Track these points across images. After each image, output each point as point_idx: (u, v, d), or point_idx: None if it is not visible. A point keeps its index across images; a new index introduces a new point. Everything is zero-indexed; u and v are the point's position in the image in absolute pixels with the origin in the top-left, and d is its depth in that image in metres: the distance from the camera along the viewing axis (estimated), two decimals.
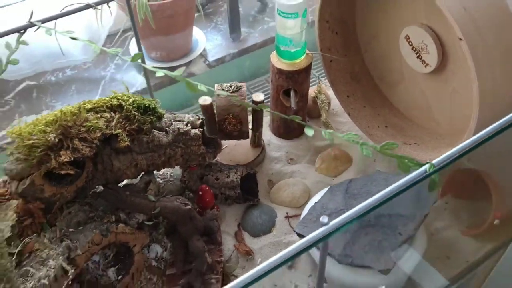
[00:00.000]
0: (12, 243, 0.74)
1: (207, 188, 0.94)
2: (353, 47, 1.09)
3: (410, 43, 0.93)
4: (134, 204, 0.84)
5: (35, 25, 0.69)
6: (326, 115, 1.11)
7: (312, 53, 1.04)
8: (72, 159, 0.75)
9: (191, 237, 0.86)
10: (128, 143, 0.80)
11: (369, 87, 1.11)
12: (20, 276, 0.72)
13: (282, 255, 0.46)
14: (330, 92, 1.17)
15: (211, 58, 1.38)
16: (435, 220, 0.95)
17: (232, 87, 0.97)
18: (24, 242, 0.73)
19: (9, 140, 1.10)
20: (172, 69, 1.35)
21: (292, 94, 1.04)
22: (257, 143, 1.09)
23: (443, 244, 0.92)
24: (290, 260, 0.47)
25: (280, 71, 1.02)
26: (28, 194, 0.77)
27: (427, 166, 0.54)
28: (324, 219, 0.47)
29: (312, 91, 1.17)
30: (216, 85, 0.98)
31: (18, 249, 0.72)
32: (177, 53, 1.36)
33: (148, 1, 1.19)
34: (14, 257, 0.67)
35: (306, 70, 1.02)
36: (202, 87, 0.67)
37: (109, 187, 0.84)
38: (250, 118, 1.04)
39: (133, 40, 1.39)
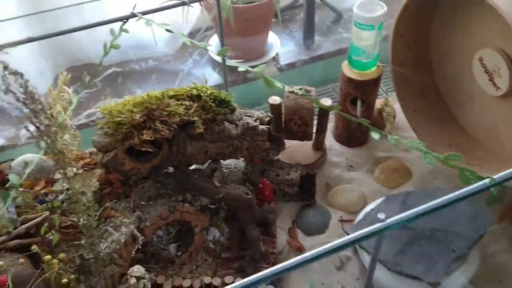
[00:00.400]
0: (92, 207, 0.83)
1: (267, 182, 1.00)
2: (425, 63, 1.11)
3: (483, 65, 0.93)
4: (200, 187, 0.90)
5: (136, 16, 0.77)
6: (391, 127, 1.13)
7: (383, 66, 1.07)
8: (153, 138, 0.83)
9: (249, 225, 0.91)
10: (202, 131, 0.87)
11: (437, 104, 1.12)
12: (98, 237, 0.81)
13: (335, 244, 0.50)
14: (397, 107, 1.19)
15: (283, 62, 1.44)
16: (490, 243, 0.95)
17: (302, 90, 1.02)
18: (103, 207, 0.82)
19: (95, 117, 1.21)
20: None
21: (358, 103, 1.07)
22: (319, 146, 1.13)
23: (496, 267, 0.91)
24: (341, 249, 0.51)
25: (349, 80, 1.05)
26: (111, 165, 0.86)
27: (487, 180, 0.56)
28: (381, 215, 0.51)
29: (378, 103, 1.20)
30: (286, 87, 1.03)
31: (98, 212, 0.81)
32: (251, 54, 1.43)
33: (233, 3, 1.27)
34: (96, 218, 0.75)
35: (375, 81, 1.05)
36: (278, 84, 0.73)
37: (181, 169, 0.91)
38: (315, 122, 1.08)
39: (212, 38, 1.48)
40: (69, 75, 0.85)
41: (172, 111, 0.85)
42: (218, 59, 1.44)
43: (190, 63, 1.42)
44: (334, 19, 1.59)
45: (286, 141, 1.06)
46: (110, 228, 0.82)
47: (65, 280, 0.71)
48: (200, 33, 1.41)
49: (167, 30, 0.75)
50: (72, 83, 1.37)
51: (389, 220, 0.50)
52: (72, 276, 0.76)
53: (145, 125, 0.83)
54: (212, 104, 0.89)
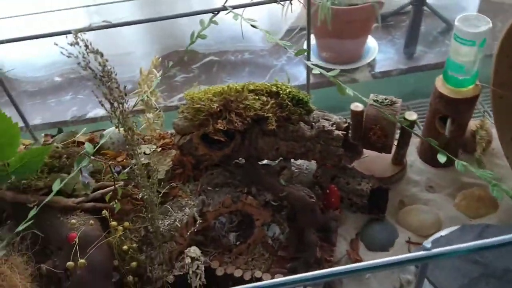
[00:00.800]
0: (162, 184, 0.88)
1: (335, 188, 0.98)
2: None
3: None
4: (266, 183, 0.92)
5: (227, 9, 0.80)
6: (481, 152, 1.04)
7: (482, 85, 0.99)
8: (226, 128, 0.85)
9: (308, 228, 0.90)
10: (275, 128, 0.88)
11: None
12: (161, 213, 0.86)
13: (381, 261, 0.48)
14: (494, 131, 1.09)
15: (378, 69, 1.39)
16: None
17: (387, 100, 0.98)
18: (171, 186, 0.87)
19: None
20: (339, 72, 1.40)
21: (448, 121, 1.01)
22: (399, 160, 1.08)
23: None
24: (380, 269, 0.49)
25: (441, 96, 0.99)
26: (186, 148, 0.90)
27: None
28: (427, 244, 0.48)
29: (473, 124, 1.11)
30: (371, 95, 1.00)
31: (164, 190, 0.86)
32: (346, 57, 1.40)
33: (334, 4, 1.25)
34: (160, 195, 0.80)
35: (471, 100, 0.98)
36: (349, 91, 0.71)
37: (251, 162, 0.93)
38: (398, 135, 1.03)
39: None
40: (160, 59, 0.91)
41: (249, 105, 0.87)
42: (312, 58, 1.43)
43: (284, 60, 1.44)
44: (442, 30, 1.50)
45: (364, 150, 1.03)
46: (171, 209, 0.87)
47: (125, 247, 0.76)
48: (296, 31, 1.42)
49: (252, 26, 0.76)
50: (172, 67, 1.48)
51: (435, 250, 0.47)
52: (135, 245, 0.82)
53: (221, 115, 0.86)
54: (289, 103, 0.89)
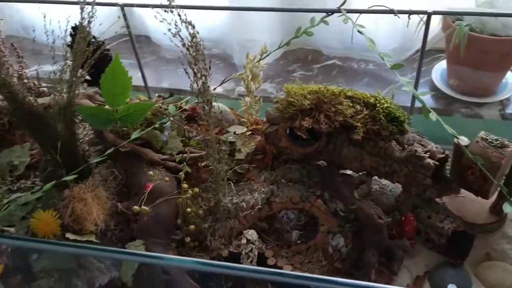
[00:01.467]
0: (240, 165, 0.93)
1: (412, 218, 0.93)
2: None
3: None
4: (340, 192, 0.91)
5: (339, 12, 0.81)
6: None
7: None
8: (311, 127, 0.86)
9: (369, 247, 0.88)
10: (362, 139, 0.86)
11: None
12: (232, 190, 0.91)
13: None
14: None
15: (510, 109, 1.26)
16: None
17: (498, 141, 0.89)
18: (247, 169, 0.91)
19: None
20: (463, 103, 1.29)
21: None
22: (497, 210, 0.98)
23: None
24: None
25: None
26: (270, 137, 0.94)
27: None
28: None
29: None
30: (482, 132, 0.92)
31: (240, 171, 0.90)
32: (477, 89, 1.29)
33: (473, 30, 1.17)
34: (229, 172, 0.84)
35: None
36: (433, 116, 0.66)
37: (331, 167, 0.93)
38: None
39: (442, 62, 1.39)
40: (266, 49, 0.94)
41: (340, 110, 0.86)
42: (438, 83, 1.35)
43: (408, 78, 1.37)
44: None
45: (462, 191, 0.95)
46: (245, 189, 0.91)
47: (188, 209, 0.83)
48: (414, 51, 1.35)
49: (359, 31, 0.76)
50: (294, 62, 1.51)
51: None
52: (200, 212, 0.88)
53: (310, 113, 0.87)
54: (382, 118, 0.86)
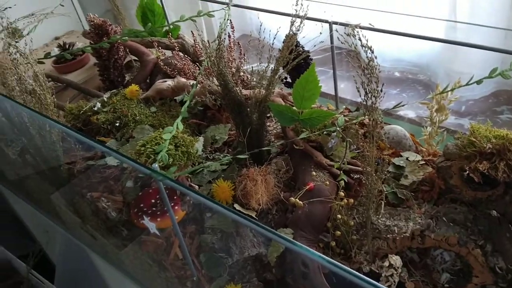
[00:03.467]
0: (403, 191, 0.93)
1: None
2: None
3: None
4: (504, 248, 0.83)
5: None
6: None
7: None
8: (486, 172, 0.82)
9: None
10: None
11: None
12: (388, 213, 0.93)
13: None
14: None
15: None
16: None
17: None
18: (409, 196, 0.91)
19: None
20: None
21: None
22: None
23: None
24: None
25: None
26: (442, 171, 0.91)
27: None
28: None
29: None
30: None
31: (401, 196, 0.91)
32: None
33: None
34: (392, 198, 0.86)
35: None
36: None
37: (501, 219, 0.86)
38: None
39: None
40: (460, 83, 0.91)
41: None
42: None
43: None
44: None
45: None
46: (402, 214, 0.92)
47: (338, 216, 0.88)
48: None
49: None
50: (504, 103, 1.38)
51: None
52: (352, 223, 0.92)
53: (490, 158, 0.83)
54: None
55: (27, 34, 1.25)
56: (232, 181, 0.97)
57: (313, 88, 0.95)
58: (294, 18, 0.89)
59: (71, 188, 1.04)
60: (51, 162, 1.06)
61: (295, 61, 0.91)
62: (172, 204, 0.91)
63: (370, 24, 0.72)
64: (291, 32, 0.89)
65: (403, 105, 0.79)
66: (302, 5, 0.89)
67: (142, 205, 0.92)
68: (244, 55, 1.27)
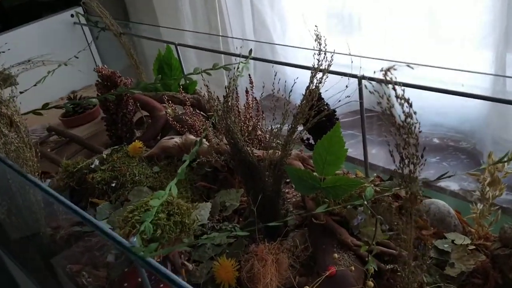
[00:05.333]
0: (449, 284, 0.75)
1: None
2: None
3: None
4: None
5: None
6: None
7: None
8: None
9: None
10: None
11: None
12: None
13: None
14: None
15: None
16: None
17: None
18: None
19: None
20: None
21: None
22: None
23: None
24: None
25: None
26: (500, 261, 0.74)
27: None
28: None
29: None
30: None
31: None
32: None
33: None
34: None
35: None
36: None
37: None
38: None
39: None
40: None
41: None
42: None
43: None
44: None
45: None
46: None
47: None
48: None
49: None
50: None
51: None
52: None
53: None
54: None
55: (34, 85, 1.17)
56: (238, 259, 0.81)
57: (338, 151, 0.80)
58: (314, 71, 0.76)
59: (52, 257, 0.90)
60: (33, 226, 0.93)
61: (316, 118, 0.77)
62: (162, 285, 0.75)
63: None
64: (312, 85, 0.76)
65: (449, 176, 0.63)
66: (325, 54, 0.77)
67: (126, 284, 0.76)
68: (262, 112, 1.14)
